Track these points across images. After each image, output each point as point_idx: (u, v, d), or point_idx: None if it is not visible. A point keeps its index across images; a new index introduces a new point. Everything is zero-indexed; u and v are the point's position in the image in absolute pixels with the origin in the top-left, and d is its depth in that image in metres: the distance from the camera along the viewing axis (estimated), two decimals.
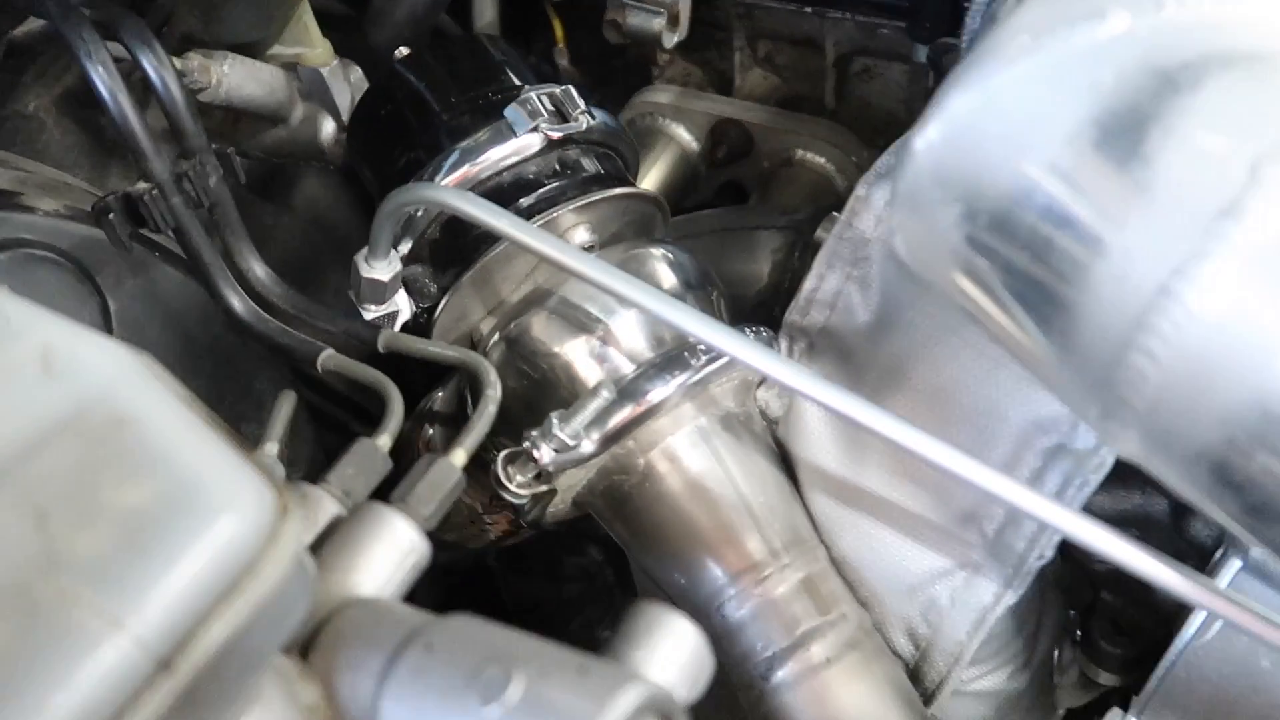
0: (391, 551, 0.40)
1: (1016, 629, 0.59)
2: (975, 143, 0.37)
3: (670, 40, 0.93)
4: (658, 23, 0.92)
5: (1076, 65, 0.35)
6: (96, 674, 0.25)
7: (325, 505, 0.43)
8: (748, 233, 0.77)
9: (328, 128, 0.73)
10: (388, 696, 0.32)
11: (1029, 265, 0.36)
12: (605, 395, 0.52)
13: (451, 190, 0.52)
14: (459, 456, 0.45)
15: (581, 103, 0.60)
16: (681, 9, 0.93)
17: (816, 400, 0.49)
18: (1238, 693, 0.47)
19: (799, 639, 0.53)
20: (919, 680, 0.59)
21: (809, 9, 0.90)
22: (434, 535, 0.45)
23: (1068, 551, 0.65)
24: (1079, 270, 0.34)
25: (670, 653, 0.34)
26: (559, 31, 1.07)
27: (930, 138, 0.38)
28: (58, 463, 0.29)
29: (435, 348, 0.52)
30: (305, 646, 0.36)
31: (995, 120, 0.36)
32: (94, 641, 0.26)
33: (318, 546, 0.41)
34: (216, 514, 0.28)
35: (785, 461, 0.60)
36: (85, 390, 0.30)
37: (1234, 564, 0.47)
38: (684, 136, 1.02)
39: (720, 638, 0.55)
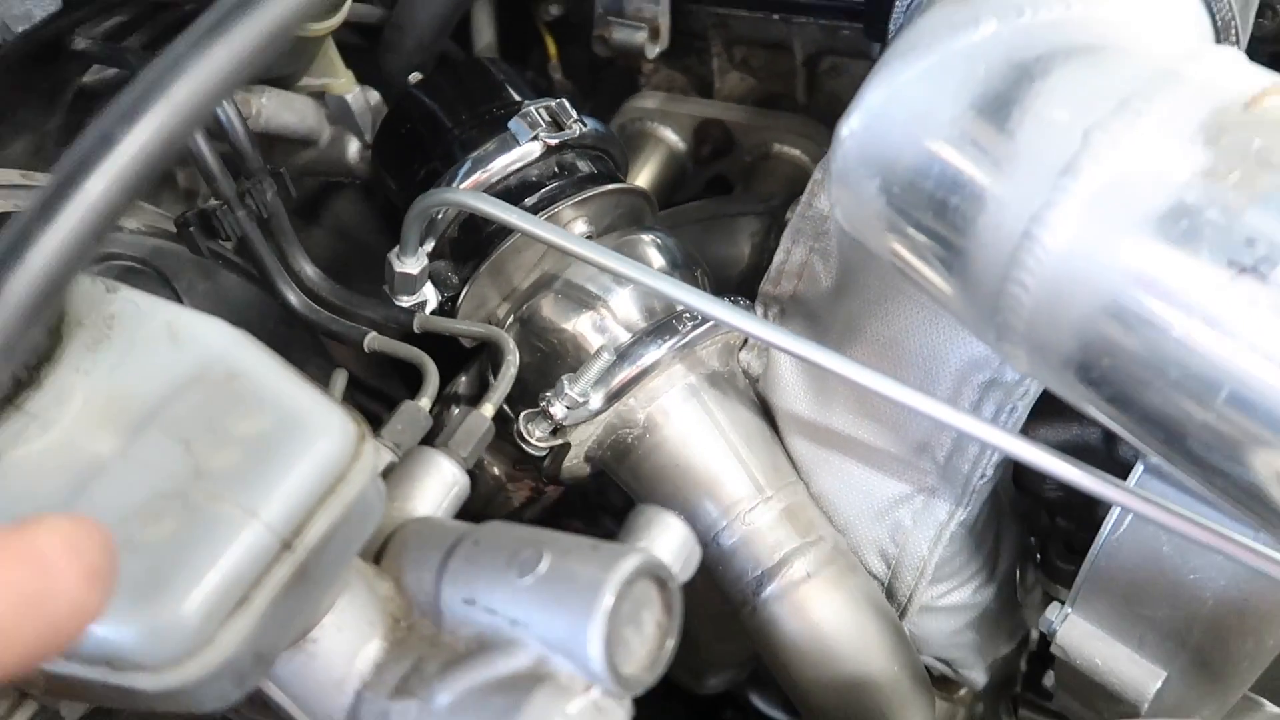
0: (439, 483, 0.49)
1: (975, 547, 0.68)
2: (887, 127, 0.46)
3: (653, 51, 1.02)
4: (640, 36, 1.01)
5: (958, 62, 0.44)
6: (240, 550, 0.35)
7: (382, 454, 0.52)
8: (728, 219, 0.86)
9: (353, 147, 0.83)
10: (446, 582, 0.42)
11: (933, 222, 0.45)
12: (606, 357, 0.61)
13: (469, 192, 0.62)
14: (487, 409, 0.54)
15: (574, 113, 0.70)
16: (661, 22, 1.02)
17: (788, 350, 0.58)
18: (1147, 577, 0.55)
19: (782, 559, 0.62)
20: (893, 597, 0.68)
21: (775, 15, 1.00)
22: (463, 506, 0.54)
23: (1023, 483, 0.74)
24: (967, 223, 0.43)
25: (664, 542, 0.43)
26: (552, 48, 1.16)
27: (853, 125, 0.48)
28: (192, 405, 0.38)
29: (461, 325, 0.62)
30: (378, 556, 0.46)
31: (900, 109, 0.46)
32: (237, 527, 0.35)
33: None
34: (316, 437, 0.38)
35: (766, 413, 0.69)
36: (205, 353, 0.40)
37: (1139, 467, 0.56)
38: (671, 137, 1.11)
39: (716, 564, 0.65)
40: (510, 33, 1.17)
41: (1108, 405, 0.42)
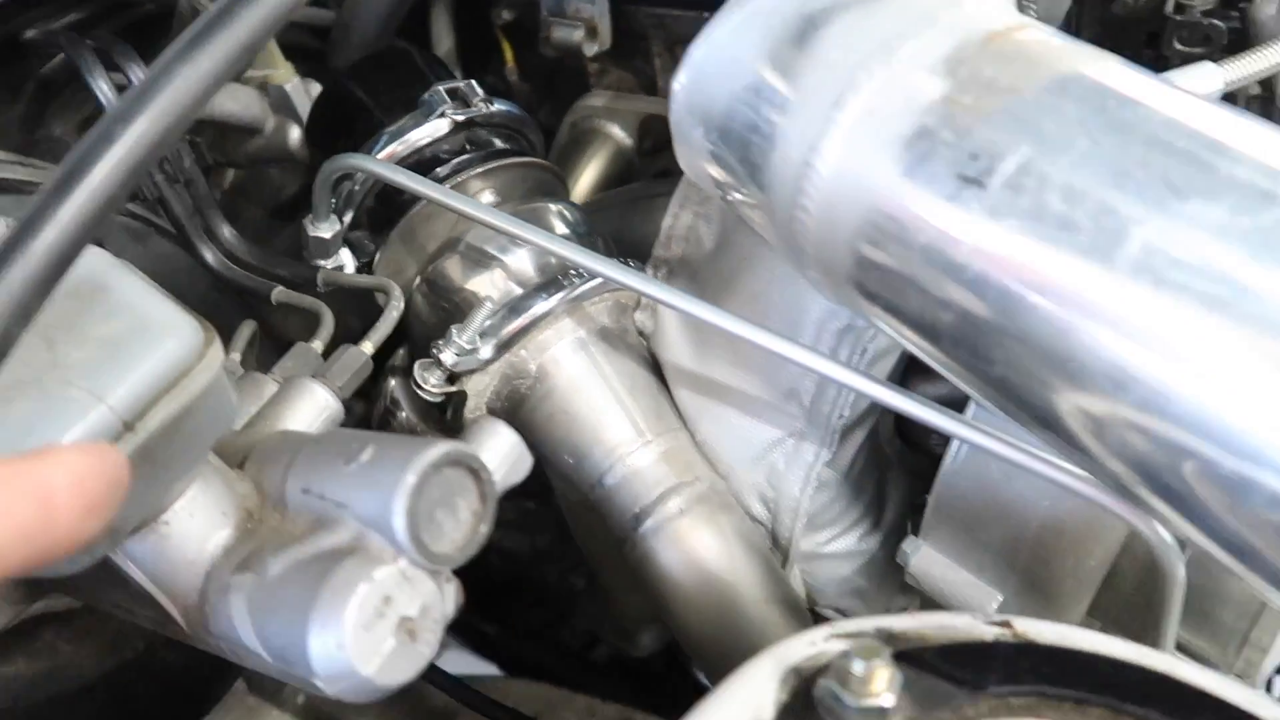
0: (311, 406, 0.55)
1: (854, 494, 0.72)
2: (705, 79, 0.51)
3: (591, 49, 1.08)
4: (578, 35, 1.07)
5: (761, 16, 0.49)
6: (84, 426, 0.40)
7: (269, 386, 0.58)
8: (648, 200, 0.91)
9: (294, 134, 0.89)
10: (290, 476, 0.47)
11: (742, 162, 0.50)
12: (490, 306, 0.67)
13: (363, 156, 0.68)
14: (366, 346, 0.60)
15: (481, 92, 0.76)
16: (600, 23, 1.08)
17: (660, 299, 0.63)
18: (981, 502, 0.59)
19: (659, 497, 0.67)
20: (777, 541, 0.72)
21: (705, 14, 1.05)
22: None
23: (909, 437, 0.78)
24: (765, 159, 0.48)
25: (492, 445, 0.48)
26: (508, 53, 1.23)
27: (682, 80, 0.53)
28: (61, 311, 0.44)
29: (355, 278, 0.67)
30: (243, 463, 0.51)
31: (715, 61, 0.51)
32: (83, 407, 0.40)
33: (263, 410, 0.56)
34: (165, 338, 0.43)
35: (658, 369, 0.74)
36: (82, 272, 0.45)
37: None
38: (618, 134, 1.17)
39: (601, 504, 0.69)
40: (469, 39, 1.23)
41: (887, 316, 0.46)
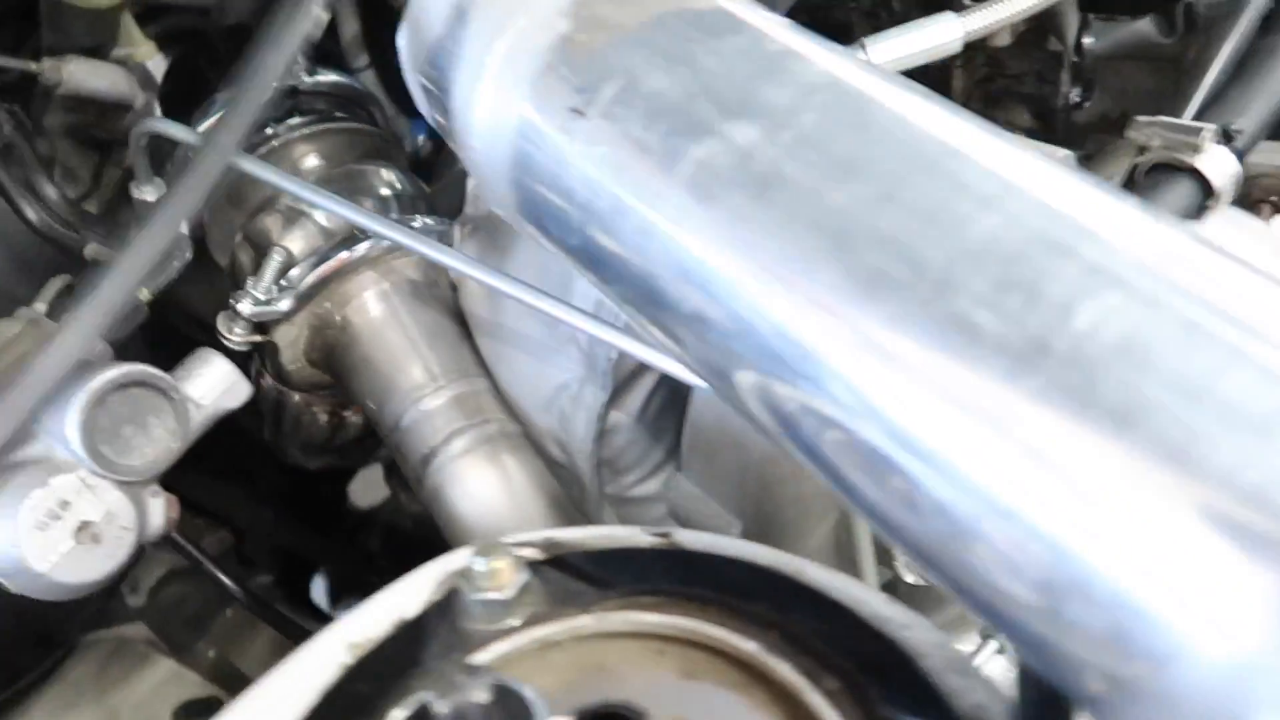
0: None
1: (651, 438, 0.75)
2: (414, 31, 0.55)
3: None
4: None
5: None
6: None
7: (50, 329, 0.62)
8: None
9: (159, 109, 0.94)
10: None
11: (439, 109, 0.53)
12: (277, 259, 0.71)
13: (166, 120, 0.72)
14: (144, 294, 0.64)
15: (304, 63, 0.80)
16: None
17: (431, 255, 0.67)
18: (719, 435, 0.62)
19: (445, 438, 0.71)
20: (581, 485, 0.75)
21: None
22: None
23: None
24: (448, 103, 0.51)
25: (205, 372, 0.52)
26: None
27: (403, 33, 0.56)
28: None
29: None
30: None
31: (423, 12, 0.54)
32: None
33: (32, 349, 0.60)
34: None
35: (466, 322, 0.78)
36: None
37: None
38: None
39: (400, 447, 0.73)
40: (374, 23, 1.27)
41: (553, 247, 0.50)
